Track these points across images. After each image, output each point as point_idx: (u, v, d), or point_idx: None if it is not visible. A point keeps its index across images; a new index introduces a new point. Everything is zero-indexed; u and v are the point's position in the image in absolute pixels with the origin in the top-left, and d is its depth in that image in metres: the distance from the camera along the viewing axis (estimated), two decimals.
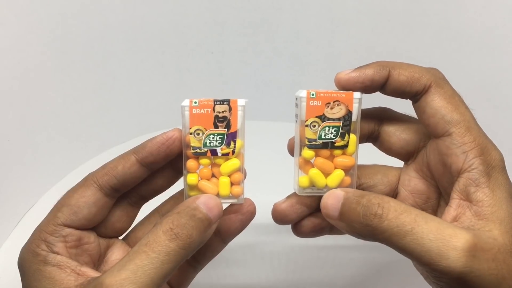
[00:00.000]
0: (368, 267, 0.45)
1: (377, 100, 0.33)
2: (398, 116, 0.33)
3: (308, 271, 0.45)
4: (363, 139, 0.34)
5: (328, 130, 0.30)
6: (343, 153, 0.31)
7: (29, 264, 0.28)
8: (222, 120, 0.30)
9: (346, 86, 0.30)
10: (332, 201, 0.29)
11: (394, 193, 0.33)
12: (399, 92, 0.30)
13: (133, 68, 0.59)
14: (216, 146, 0.30)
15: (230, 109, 0.29)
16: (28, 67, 0.49)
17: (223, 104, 0.29)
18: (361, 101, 0.30)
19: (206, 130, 0.30)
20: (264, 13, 0.59)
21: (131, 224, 0.34)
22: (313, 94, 0.30)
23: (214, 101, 0.29)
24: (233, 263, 0.45)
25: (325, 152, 0.31)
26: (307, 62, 0.60)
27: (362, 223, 0.27)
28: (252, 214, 0.32)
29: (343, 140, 0.30)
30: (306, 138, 0.30)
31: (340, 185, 0.31)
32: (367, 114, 0.33)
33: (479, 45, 0.52)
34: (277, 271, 0.45)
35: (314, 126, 0.30)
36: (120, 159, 0.31)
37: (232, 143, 0.30)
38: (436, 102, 0.29)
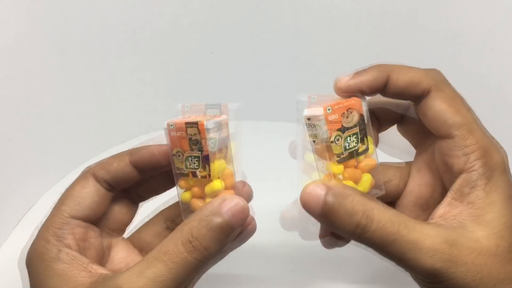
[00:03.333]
0: (368, 266, 0.45)
1: None
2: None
3: (308, 270, 0.45)
4: (396, 120, 0.34)
5: (350, 139, 0.30)
6: (365, 156, 0.31)
7: (39, 261, 0.28)
8: (195, 143, 0.29)
9: (345, 93, 0.30)
10: (312, 199, 0.28)
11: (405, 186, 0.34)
12: (399, 96, 0.31)
13: (133, 68, 0.59)
14: (194, 168, 0.29)
15: (199, 132, 0.28)
16: (28, 67, 0.49)
17: (193, 127, 0.28)
18: (367, 102, 0.30)
19: (185, 153, 0.29)
20: (264, 13, 0.59)
21: (132, 218, 0.34)
22: (329, 109, 0.29)
23: (185, 123, 0.29)
24: (233, 262, 0.45)
25: (352, 162, 0.30)
26: (307, 62, 0.60)
27: (344, 230, 0.27)
28: (252, 232, 0.31)
29: (364, 144, 0.30)
30: (335, 154, 0.29)
31: (370, 188, 0.31)
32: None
33: (479, 45, 0.52)
34: (277, 270, 0.45)
35: (338, 140, 0.29)
36: (116, 156, 0.31)
37: (206, 166, 0.29)
38: (437, 106, 0.29)
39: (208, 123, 0.28)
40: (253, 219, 0.31)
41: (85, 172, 0.31)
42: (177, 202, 0.34)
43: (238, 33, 0.60)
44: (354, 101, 0.30)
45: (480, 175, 0.28)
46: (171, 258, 0.26)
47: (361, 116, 0.30)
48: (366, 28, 0.57)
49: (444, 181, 0.32)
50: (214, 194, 0.29)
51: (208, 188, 0.29)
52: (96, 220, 0.31)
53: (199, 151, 0.29)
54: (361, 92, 0.30)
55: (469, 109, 0.30)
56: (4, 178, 0.48)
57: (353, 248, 0.46)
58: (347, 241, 0.34)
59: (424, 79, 0.30)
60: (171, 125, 0.29)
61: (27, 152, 0.51)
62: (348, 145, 0.30)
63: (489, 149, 0.29)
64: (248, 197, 0.31)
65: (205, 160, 0.29)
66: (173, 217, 0.34)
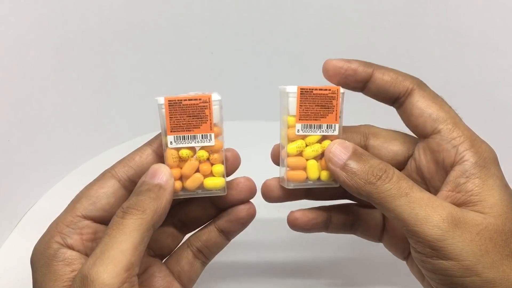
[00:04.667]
0: (368, 267, 0.45)
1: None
2: (382, 130, 0.34)
3: (308, 270, 0.45)
4: None
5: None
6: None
7: (39, 257, 0.28)
8: None
9: (329, 72, 0.32)
10: (340, 149, 0.30)
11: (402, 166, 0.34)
12: (383, 92, 0.31)
13: (133, 68, 0.59)
14: None
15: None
16: (28, 67, 0.49)
17: None
18: (343, 96, 0.31)
19: None
20: (264, 13, 0.59)
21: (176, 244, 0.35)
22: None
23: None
24: (233, 261, 0.45)
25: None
26: (307, 62, 0.60)
27: (366, 180, 0.29)
28: (252, 216, 0.33)
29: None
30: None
31: (330, 180, 0.32)
32: (352, 131, 0.34)
33: (479, 45, 0.52)
34: (276, 269, 0.45)
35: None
36: (136, 151, 0.32)
37: None
38: (421, 102, 0.30)
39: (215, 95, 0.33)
40: (250, 202, 0.33)
41: (104, 173, 0.31)
42: (206, 228, 0.35)
43: (238, 33, 0.60)
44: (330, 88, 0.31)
45: (472, 163, 0.29)
46: (110, 229, 0.27)
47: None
48: (366, 28, 0.57)
49: (432, 186, 0.32)
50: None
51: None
52: (108, 221, 0.31)
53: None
54: (344, 74, 0.31)
55: (450, 107, 0.31)
56: (4, 178, 0.48)
57: (352, 248, 0.46)
58: (318, 230, 0.35)
59: (408, 78, 0.31)
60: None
61: (27, 152, 0.51)
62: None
63: (476, 140, 0.30)
64: (236, 166, 0.33)
65: None
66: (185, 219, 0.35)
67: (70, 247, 0.29)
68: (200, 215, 0.35)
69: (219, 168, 0.31)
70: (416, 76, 0.32)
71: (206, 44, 0.61)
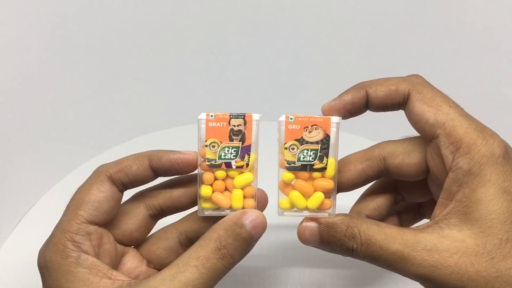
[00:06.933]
0: (369, 267, 0.45)
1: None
2: (397, 146, 0.33)
3: (308, 270, 0.45)
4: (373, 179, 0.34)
5: (307, 153, 0.30)
6: (323, 176, 0.31)
7: (58, 265, 0.28)
8: (237, 134, 0.30)
9: (330, 114, 0.31)
10: (309, 233, 0.30)
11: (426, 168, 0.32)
12: (383, 107, 0.31)
13: (133, 68, 0.59)
14: (230, 158, 0.31)
15: (245, 123, 0.30)
16: (28, 67, 0.49)
17: (239, 118, 0.30)
18: (339, 125, 0.31)
19: (221, 143, 0.30)
20: (264, 13, 0.59)
21: (147, 235, 0.34)
22: (291, 118, 0.30)
23: (230, 115, 0.30)
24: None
25: (304, 174, 0.31)
26: (307, 62, 0.60)
27: (342, 250, 0.30)
28: (262, 231, 0.32)
29: (322, 163, 0.30)
30: (286, 160, 0.30)
31: (320, 208, 0.31)
32: (366, 159, 0.33)
33: (479, 45, 0.52)
34: (277, 269, 0.45)
35: (293, 148, 0.30)
36: (135, 159, 0.31)
37: (246, 156, 0.31)
38: (417, 108, 0.30)
39: (255, 115, 0.30)
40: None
41: (100, 174, 0.31)
42: (190, 215, 0.34)
43: (238, 33, 0.60)
44: (322, 119, 0.30)
45: (465, 172, 0.28)
46: (203, 263, 0.27)
47: (327, 135, 0.30)
48: (366, 28, 0.57)
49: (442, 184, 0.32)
50: (244, 186, 0.31)
51: (238, 180, 0.31)
52: (109, 223, 0.32)
53: (240, 141, 0.30)
54: (345, 111, 0.31)
55: (451, 105, 0.29)
56: (4, 178, 0.48)
57: None
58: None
59: (401, 85, 0.30)
60: (211, 115, 0.30)
61: (27, 152, 0.51)
62: (303, 157, 0.30)
63: (475, 143, 0.28)
64: (265, 205, 0.33)
65: (246, 150, 0.31)
66: (188, 231, 0.34)
67: (87, 253, 0.29)
68: (186, 202, 0.34)
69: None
70: (415, 74, 0.32)
71: (206, 44, 0.61)
